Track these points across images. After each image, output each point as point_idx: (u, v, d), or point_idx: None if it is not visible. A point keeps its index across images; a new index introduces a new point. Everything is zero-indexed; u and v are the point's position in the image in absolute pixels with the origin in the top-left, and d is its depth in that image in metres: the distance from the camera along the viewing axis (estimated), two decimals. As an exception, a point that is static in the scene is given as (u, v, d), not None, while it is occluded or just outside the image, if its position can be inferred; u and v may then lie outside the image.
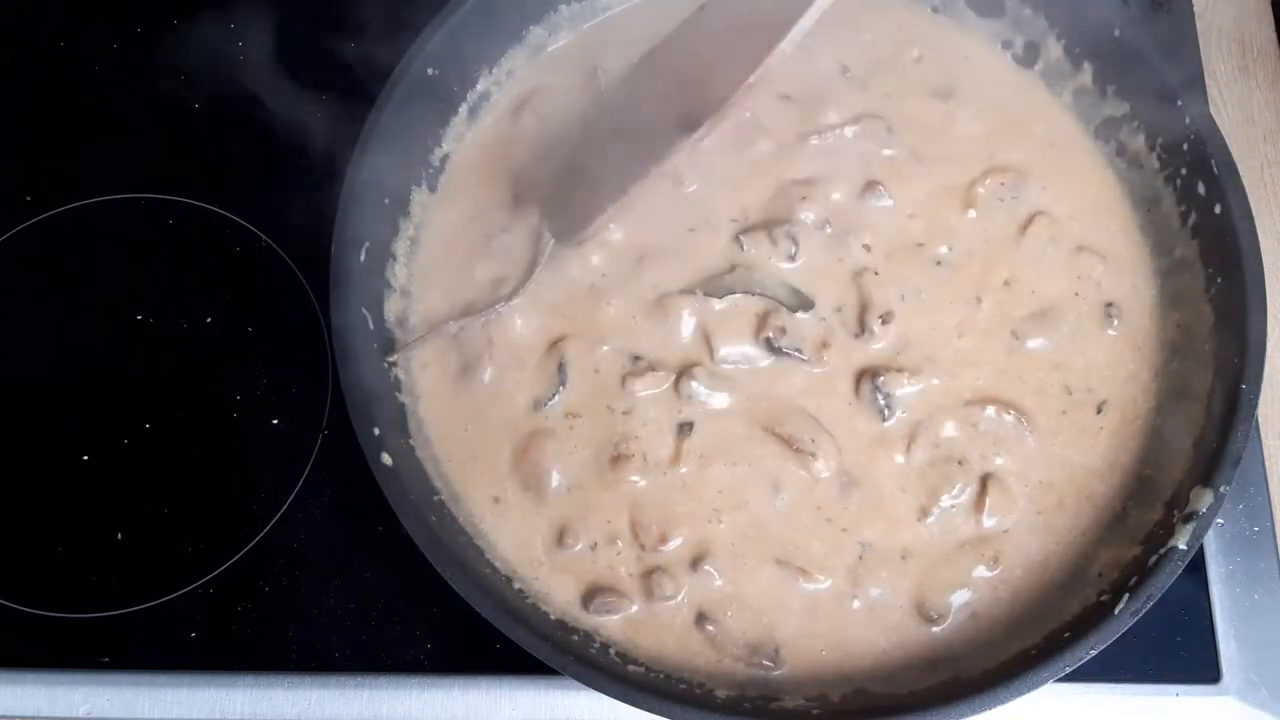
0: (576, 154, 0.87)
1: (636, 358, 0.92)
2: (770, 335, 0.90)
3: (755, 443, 0.89)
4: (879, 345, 0.91)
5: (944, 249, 0.94)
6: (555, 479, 0.88)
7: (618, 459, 0.88)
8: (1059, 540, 0.87)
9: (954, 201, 0.96)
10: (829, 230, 0.95)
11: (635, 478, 0.88)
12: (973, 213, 0.96)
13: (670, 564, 0.86)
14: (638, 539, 0.86)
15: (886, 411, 0.89)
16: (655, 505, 0.87)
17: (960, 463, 0.88)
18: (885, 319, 0.92)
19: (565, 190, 0.87)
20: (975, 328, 0.92)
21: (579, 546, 0.87)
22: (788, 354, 0.90)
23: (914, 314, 0.92)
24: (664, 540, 0.86)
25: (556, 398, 0.91)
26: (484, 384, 0.92)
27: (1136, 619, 0.77)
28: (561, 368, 0.91)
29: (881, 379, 0.90)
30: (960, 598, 0.85)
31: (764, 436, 0.89)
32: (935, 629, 0.84)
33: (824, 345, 0.91)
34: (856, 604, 0.85)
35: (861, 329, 0.91)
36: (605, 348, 0.92)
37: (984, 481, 0.87)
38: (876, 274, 0.93)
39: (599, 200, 0.85)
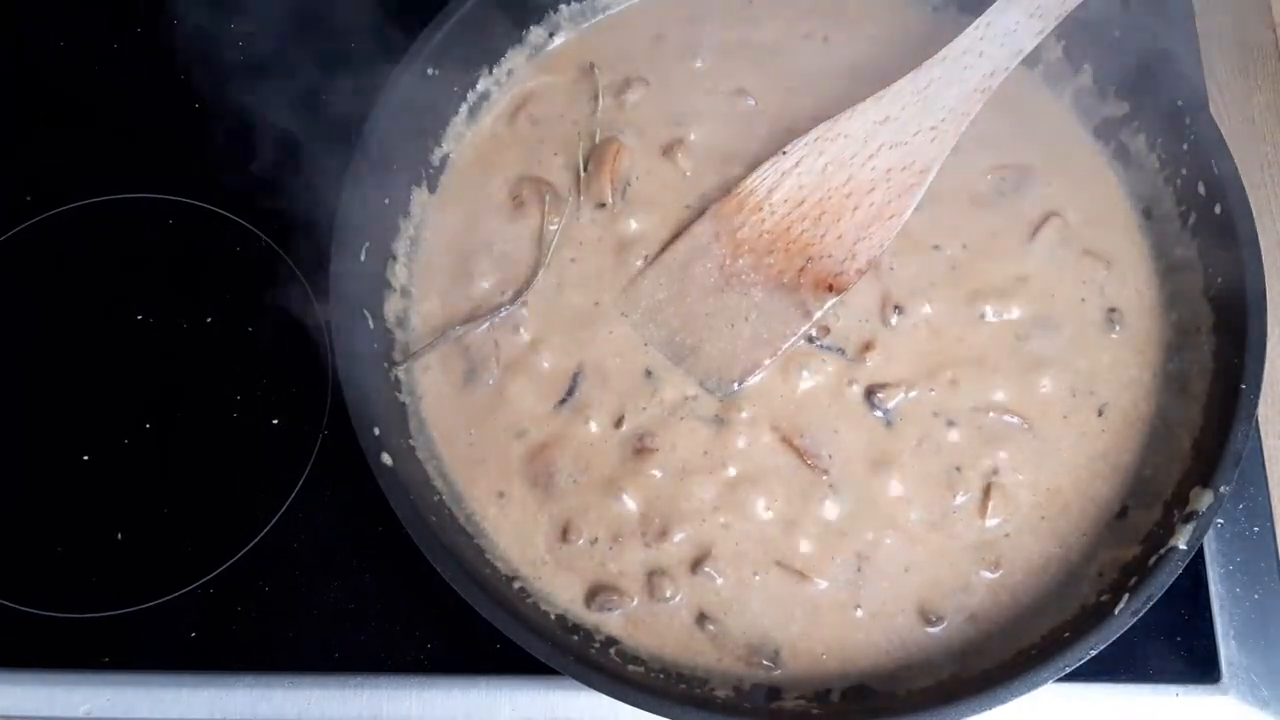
0: (698, 310, 0.92)
1: (646, 345, 0.92)
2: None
3: (771, 450, 0.89)
4: (886, 348, 0.91)
5: (951, 249, 0.94)
6: (565, 476, 0.88)
7: (641, 451, 0.88)
8: (1061, 543, 0.87)
9: (961, 200, 0.96)
10: None
11: (656, 471, 0.88)
12: (978, 211, 0.96)
13: (671, 565, 0.86)
14: (642, 531, 0.86)
15: (889, 418, 0.89)
16: (664, 501, 0.87)
17: (963, 468, 0.88)
18: (889, 319, 0.92)
19: (693, 342, 0.92)
20: (980, 332, 0.92)
21: (581, 541, 0.87)
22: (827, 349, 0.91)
23: (917, 316, 0.92)
24: (664, 535, 0.86)
25: (570, 400, 0.91)
26: (490, 386, 0.92)
27: (1136, 619, 0.77)
28: (576, 375, 0.91)
29: (882, 384, 0.90)
30: (961, 601, 0.85)
31: (780, 445, 0.89)
32: (935, 630, 0.84)
33: (867, 346, 0.91)
34: (858, 610, 0.85)
35: (883, 322, 0.92)
36: (615, 344, 0.93)
37: (987, 486, 0.87)
38: (892, 269, 0.93)
39: (754, 357, 0.90)
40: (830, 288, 0.91)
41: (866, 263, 0.91)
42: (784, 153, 0.93)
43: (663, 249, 0.95)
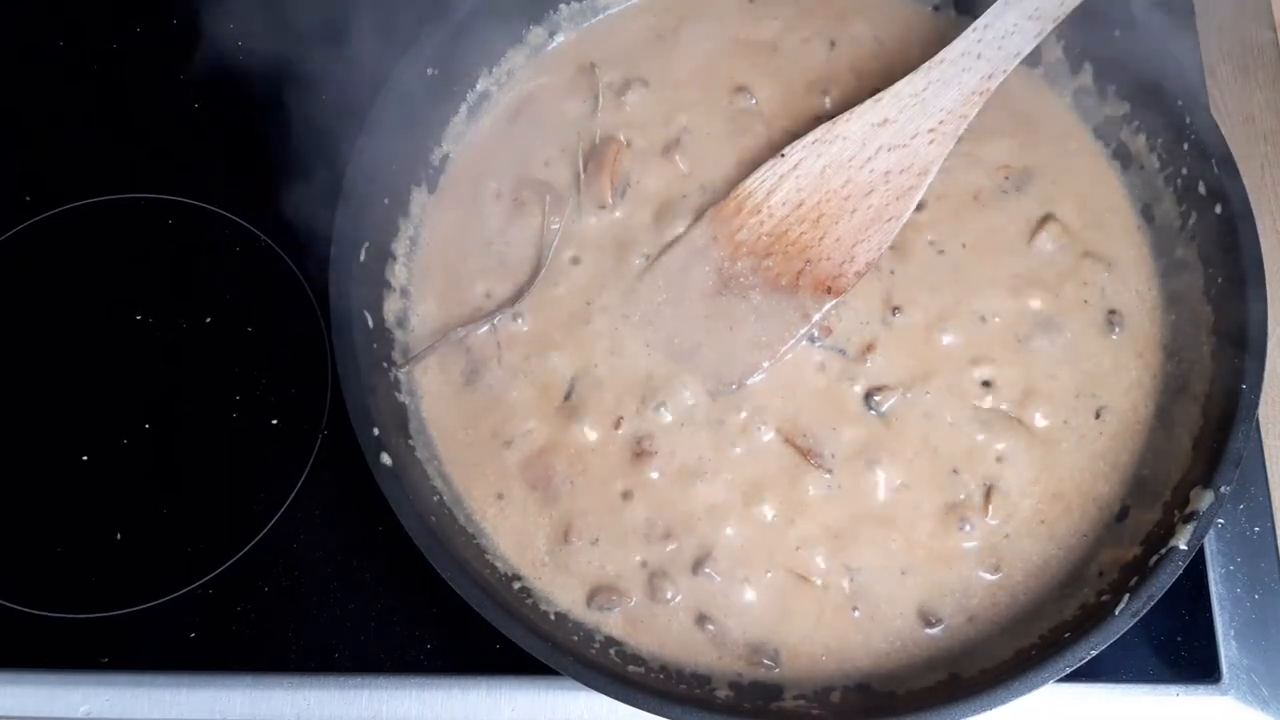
0: (697, 313, 0.92)
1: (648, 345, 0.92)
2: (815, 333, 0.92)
3: (772, 450, 0.89)
4: (887, 349, 0.91)
5: (951, 250, 0.94)
6: (564, 478, 0.88)
7: (641, 453, 0.88)
8: (1060, 545, 0.86)
9: (962, 200, 0.96)
10: None
11: (655, 473, 0.88)
12: (978, 212, 0.95)
13: (672, 567, 0.86)
14: (644, 533, 0.86)
15: (889, 419, 0.89)
16: (664, 503, 0.87)
17: (963, 470, 0.88)
18: (890, 320, 0.92)
19: (691, 345, 0.91)
20: (981, 333, 0.92)
21: (581, 543, 0.87)
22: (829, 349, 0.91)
23: (918, 317, 0.92)
24: (665, 536, 0.86)
25: (569, 401, 0.91)
26: (490, 387, 0.92)
27: (1137, 619, 0.77)
28: (575, 376, 0.92)
29: (883, 385, 0.90)
30: (961, 603, 0.85)
31: (782, 445, 0.89)
32: (934, 631, 0.84)
33: (869, 347, 0.91)
34: (857, 611, 0.85)
35: (884, 323, 0.92)
36: (615, 346, 0.92)
37: (987, 488, 0.87)
38: (892, 273, 0.93)
39: (753, 359, 0.90)
40: (829, 290, 0.91)
41: (865, 265, 0.91)
42: (782, 155, 0.93)
43: (662, 251, 0.95)
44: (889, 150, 0.91)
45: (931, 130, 0.91)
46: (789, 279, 0.91)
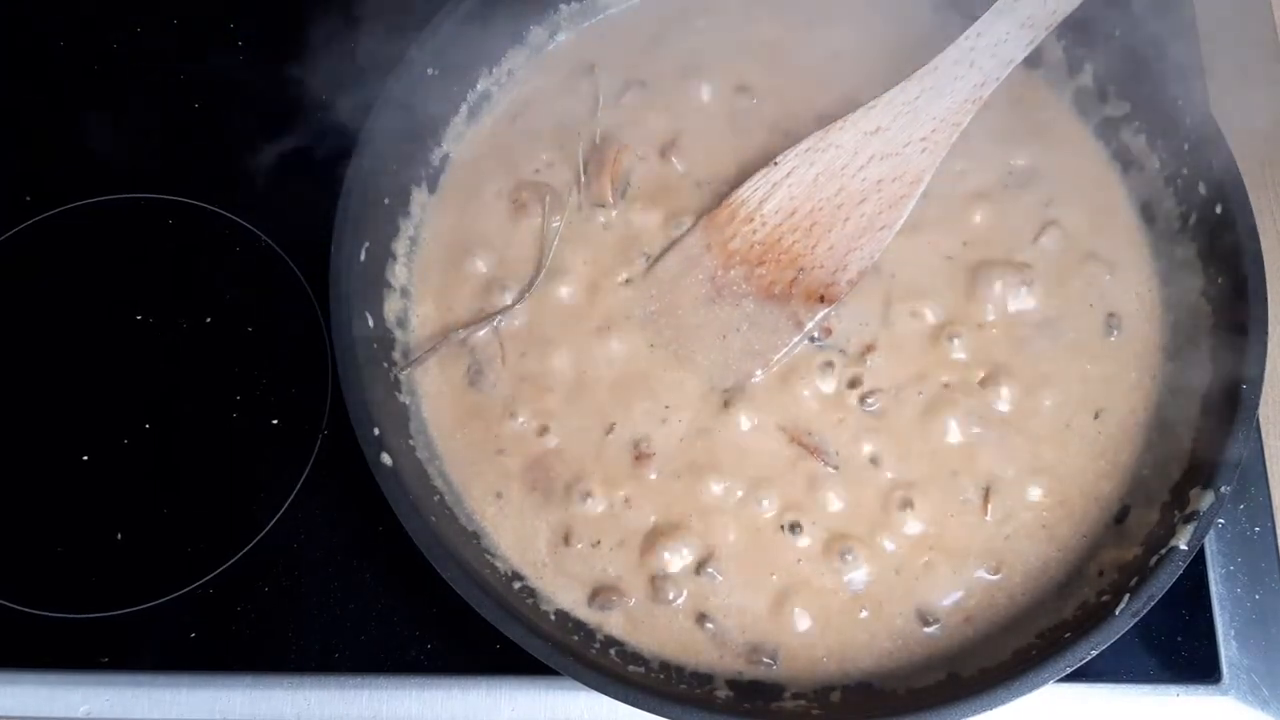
0: (690, 321, 0.92)
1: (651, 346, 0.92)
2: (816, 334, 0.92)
3: (774, 450, 0.89)
4: (886, 349, 0.91)
5: (952, 251, 0.94)
6: (564, 480, 0.88)
7: (641, 455, 0.88)
8: (1060, 546, 0.87)
9: (962, 201, 0.96)
10: None
11: (653, 475, 0.88)
12: (979, 213, 0.95)
13: (674, 567, 0.86)
14: (645, 533, 0.86)
15: (888, 419, 0.89)
16: (665, 504, 0.87)
17: (963, 471, 0.88)
18: (890, 320, 0.92)
19: (685, 353, 0.92)
20: (980, 335, 0.92)
21: (582, 545, 0.87)
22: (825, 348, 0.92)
23: (918, 317, 0.92)
24: (667, 536, 0.86)
25: (569, 402, 0.91)
26: (490, 388, 0.92)
27: (1137, 619, 0.77)
28: (576, 377, 0.92)
29: (883, 386, 0.90)
30: (960, 603, 0.85)
31: (786, 444, 0.89)
32: (933, 631, 0.84)
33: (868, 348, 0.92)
34: (858, 611, 0.85)
35: (884, 323, 0.92)
36: (616, 346, 0.93)
37: (986, 489, 0.87)
38: (893, 275, 0.93)
39: (746, 368, 0.91)
40: (822, 299, 0.91)
41: (857, 274, 0.91)
42: (775, 163, 0.93)
43: (656, 259, 0.95)
44: (881, 158, 0.91)
45: (924, 139, 0.91)
46: (782, 287, 0.91)
